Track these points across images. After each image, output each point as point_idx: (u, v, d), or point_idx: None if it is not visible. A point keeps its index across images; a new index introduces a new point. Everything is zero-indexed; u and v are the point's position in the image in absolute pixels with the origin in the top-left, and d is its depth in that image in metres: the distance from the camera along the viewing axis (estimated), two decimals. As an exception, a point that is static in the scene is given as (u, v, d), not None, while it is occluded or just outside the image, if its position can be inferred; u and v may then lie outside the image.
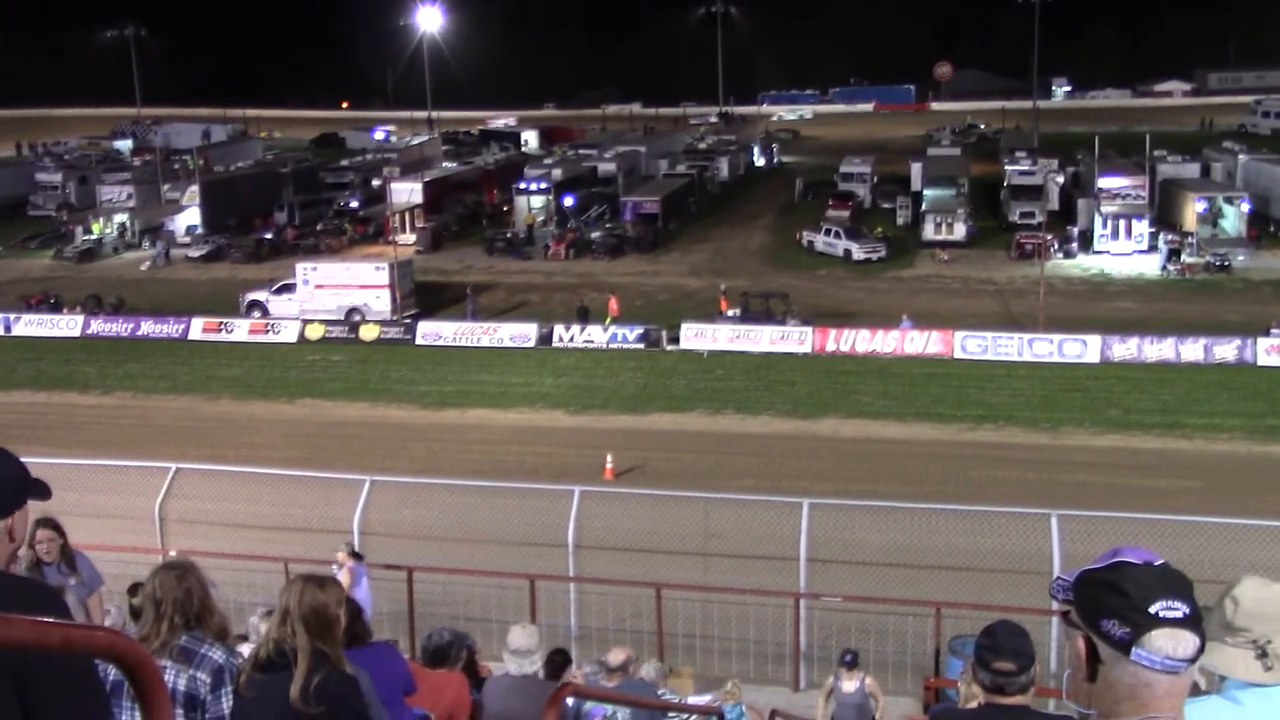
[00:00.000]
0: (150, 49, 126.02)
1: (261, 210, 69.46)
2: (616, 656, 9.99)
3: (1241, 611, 3.03)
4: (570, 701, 8.38)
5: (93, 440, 33.08)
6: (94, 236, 65.24)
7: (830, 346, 42.26)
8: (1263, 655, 2.99)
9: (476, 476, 26.36)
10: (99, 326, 48.65)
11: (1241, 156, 66.04)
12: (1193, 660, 2.29)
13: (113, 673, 4.36)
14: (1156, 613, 2.27)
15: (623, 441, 32.65)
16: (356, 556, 14.84)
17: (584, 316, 45.94)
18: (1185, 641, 2.27)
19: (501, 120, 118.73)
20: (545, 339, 44.41)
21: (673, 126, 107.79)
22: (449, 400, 38.69)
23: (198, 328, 47.54)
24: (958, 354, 41.21)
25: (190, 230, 66.55)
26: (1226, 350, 39.61)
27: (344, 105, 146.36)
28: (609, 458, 30.52)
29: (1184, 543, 15.55)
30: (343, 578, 15.01)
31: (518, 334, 45.03)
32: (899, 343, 41.92)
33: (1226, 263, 52.40)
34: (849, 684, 12.78)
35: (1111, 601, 2.33)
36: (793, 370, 40.65)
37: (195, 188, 69.10)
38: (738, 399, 37.81)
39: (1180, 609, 2.27)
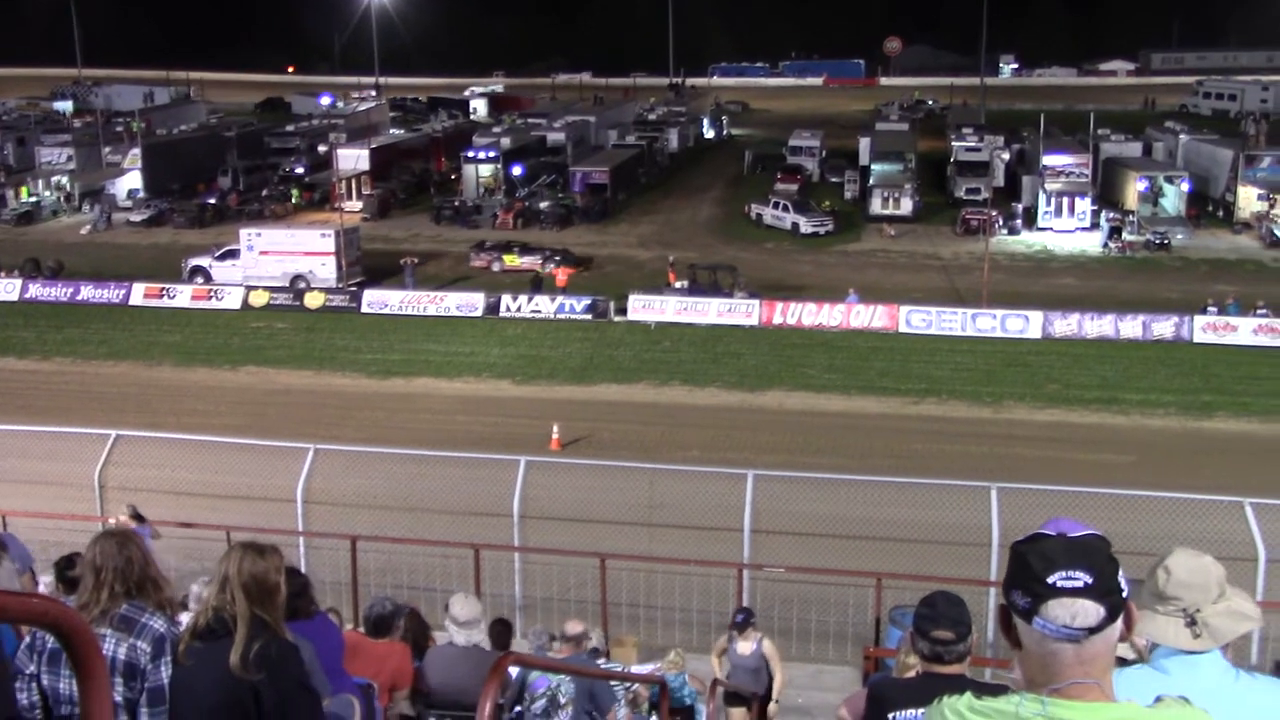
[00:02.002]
0: (91, 8, 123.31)
1: (205, 175, 68.38)
2: (574, 627, 10.06)
3: (1173, 581, 3.12)
4: (515, 672, 8.42)
5: (31, 406, 32.58)
6: (33, 199, 64.05)
7: (777, 319, 42.46)
8: (1191, 624, 3.08)
9: (422, 446, 26.23)
10: (37, 291, 47.80)
11: (1182, 136, 66.97)
12: (1096, 629, 2.34)
13: (50, 641, 4.33)
14: (1054, 582, 2.32)
15: (569, 412, 32.66)
16: (139, 518, 14.69)
17: (537, 286, 45.81)
18: (1084, 611, 2.32)
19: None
20: (492, 308, 44.23)
21: (622, 97, 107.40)
22: (395, 369, 38.47)
23: (139, 293, 46.83)
24: (903, 328, 41.57)
25: (132, 194, 65.42)
26: (1164, 327, 40.28)
27: (289, 69, 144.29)
28: (555, 428, 30.51)
29: (1120, 516, 15.86)
30: None
31: (465, 303, 44.79)
32: (845, 316, 42.20)
33: (1166, 241, 53.23)
34: (744, 645, 12.16)
35: (1018, 573, 2.40)
36: (740, 343, 40.81)
37: (137, 151, 67.90)
38: (685, 371, 37.92)
39: (1080, 579, 2.32)
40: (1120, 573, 2.40)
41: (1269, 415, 33.22)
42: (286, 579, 6.52)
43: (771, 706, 12.32)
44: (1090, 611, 2.32)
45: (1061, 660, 2.36)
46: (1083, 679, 2.36)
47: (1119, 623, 2.39)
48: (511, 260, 50.54)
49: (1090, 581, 2.32)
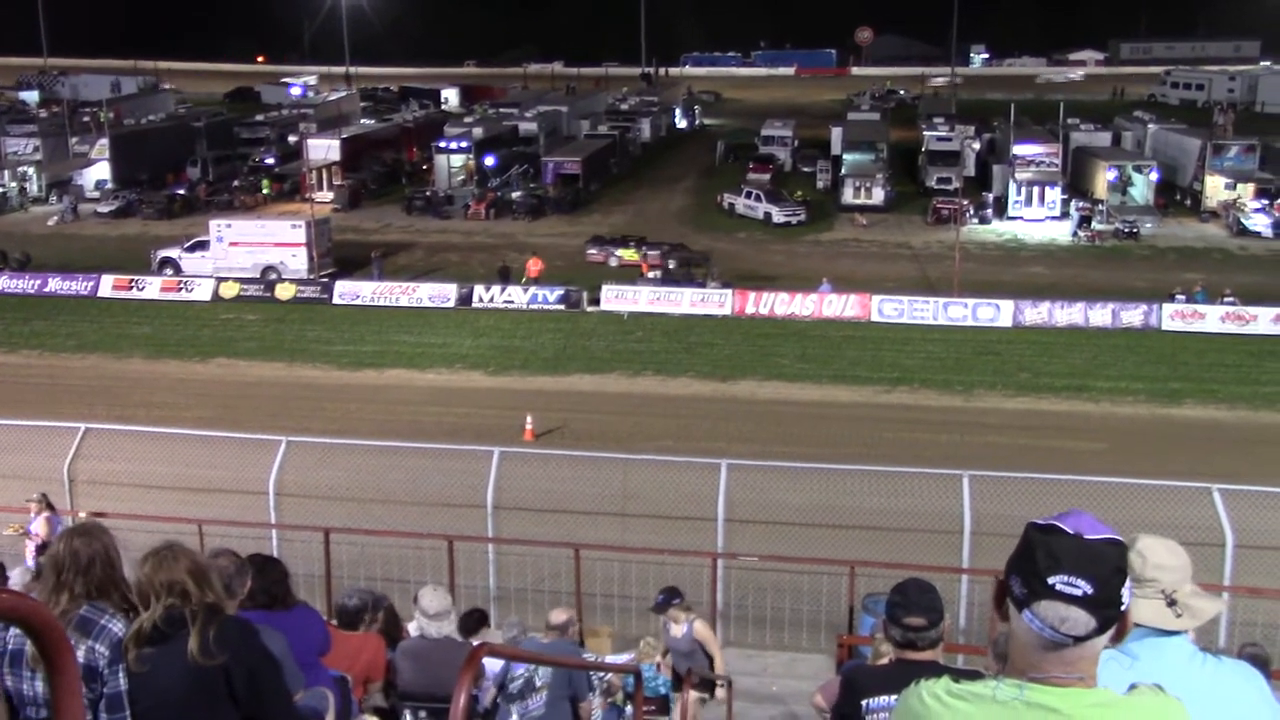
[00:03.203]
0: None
1: (174, 165, 67.88)
2: (558, 616, 10.03)
3: (1150, 564, 3.16)
4: (500, 665, 8.43)
5: (-2, 400, 32.26)
6: (-2, 190, 63.50)
7: (750, 309, 42.52)
8: (1172, 604, 3.12)
9: (394, 437, 26.12)
10: (3, 283, 47.28)
11: (1151, 126, 67.45)
12: (1083, 639, 2.31)
13: (12, 642, 4.20)
14: (1053, 585, 2.29)
15: (542, 403, 32.61)
16: (50, 507, 14.54)
17: (505, 276, 45.65)
18: (1074, 619, 2.30)
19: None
20: (465, 299, 44.07)
21: (594, 86, 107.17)
22: (367, 360, 38.30)
23: (108, 285, 46.42)
24: (875, 317, 41.70)
25: (100, 185, 64.84)
26: (1133, 315, 40.57)
27: (259, 59, 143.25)
28: (528, 419, 30.47)
29: (1090, 502, 15.92)
30: (39, 526, 14.84)
31: (437, 294, 44.62)
32: (817, 306, 42.30)
33: (1134, 230, 53.63)
34: (675, 628, 11.82)
35: (1022, 561, 2.38)
36: (712, 332, 40.85)
37: (105, 141, 67.25)
38: (657, 361, 37.92)
39: (1080, 588, 2.29)
40: (1127, 585, 2.37)
41: (1236, 402, 33.55)
42: (267, 567, 6.49)
43: (720, 692, 12.04)
44: (1081, 622, 2.29)
45: (1044, 657, 2.36)
46: (1064, 674, 2.36)
47: (1109, 633, 2.37)
48: (629, 255, 49.30)
49: (1090, 592, 2.28)
